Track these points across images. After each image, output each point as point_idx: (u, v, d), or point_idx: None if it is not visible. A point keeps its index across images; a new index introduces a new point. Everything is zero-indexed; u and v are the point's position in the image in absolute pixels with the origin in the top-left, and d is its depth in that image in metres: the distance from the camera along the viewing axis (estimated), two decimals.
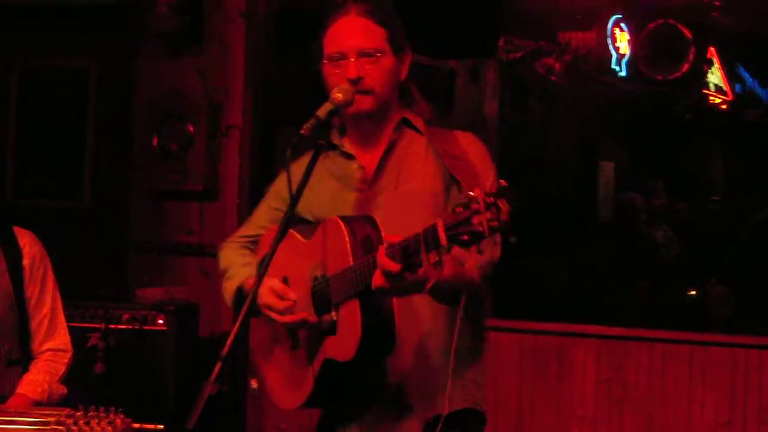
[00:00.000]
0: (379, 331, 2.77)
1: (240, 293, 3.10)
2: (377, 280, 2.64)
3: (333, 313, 2.82)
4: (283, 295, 2.93)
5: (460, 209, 2.42)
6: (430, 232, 2.49)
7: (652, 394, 5.61)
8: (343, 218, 2.83)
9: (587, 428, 5.71)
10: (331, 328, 2.83)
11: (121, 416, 2.90)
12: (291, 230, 2.98)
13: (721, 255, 7.93)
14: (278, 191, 3.18)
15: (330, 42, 2.97)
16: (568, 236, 9.03)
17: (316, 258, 2.90)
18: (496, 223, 2.37)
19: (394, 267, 2.58)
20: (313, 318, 2.89)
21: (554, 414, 5.76)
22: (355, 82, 2.90)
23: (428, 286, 2.67)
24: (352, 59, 2.92)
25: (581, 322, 5.94)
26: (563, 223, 9.10)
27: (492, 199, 2.37)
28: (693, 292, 8.05)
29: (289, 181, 2.78)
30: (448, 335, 2.92)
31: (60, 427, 2.91)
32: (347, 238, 2.78)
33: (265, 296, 2.94)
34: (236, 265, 3.17)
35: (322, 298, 2.87)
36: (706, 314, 7.72)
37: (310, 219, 3.06)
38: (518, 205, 2.40)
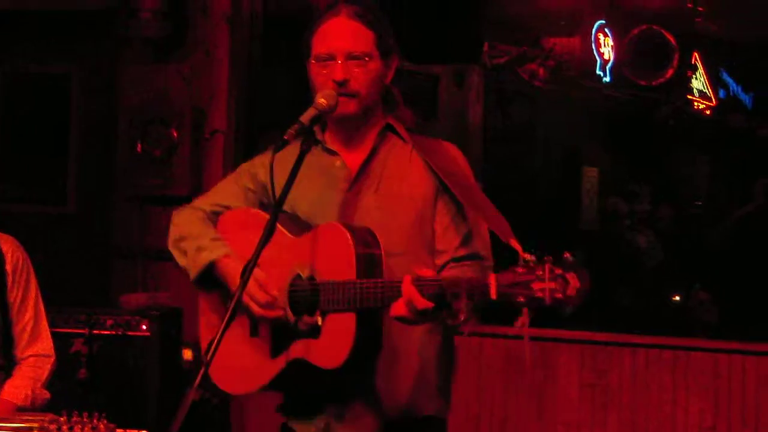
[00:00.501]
0: (368, 343, 2.76)
1: (211, 271, 2.99)
2: (400, 309, 2.63)
3: (318, 318, 2.79)
4: (266, 288, 2.86)
5: (522, 270, 2.43)
6: (479, 286, 2.49)
7: (635, 399, 5.62)
8: (348, 227, 2.79)
9: None
10: (311, 331, 2.80)
11: (105, 422, 2.89)
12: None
13: (704, 260, 7.94)
14: (255, 174, 3.10)
15: (319, 42, 2.94)
16: (551, 241, 9.01)
17: (303, 257, 2.85)
18: (560, 296, 2.39)
19: (427, 305, 2.58)
20: (290, 317, 2.85)
21: (538, 419, 5.76)
22: (340, 84, 2.88)
23: (466, 330, 2.70)
24: (340, 61, 2.90)
25: (565, 328, 5.94)
26: (546, 229, 9.09)
27: (560, 270, 2.40)
28: (676, 298, 8.07)
29: (273, 187, 2.77)
30: (428, 345, 2.93)
31: None
32: (353, 250, 2.74)
33: (248, 284, 2.82)
34: (205, 236, 3.02)
35: (305, 299, 2.83)
36: (689, 319, 7.74)
37: (288, 211, 2.98)
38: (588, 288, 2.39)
